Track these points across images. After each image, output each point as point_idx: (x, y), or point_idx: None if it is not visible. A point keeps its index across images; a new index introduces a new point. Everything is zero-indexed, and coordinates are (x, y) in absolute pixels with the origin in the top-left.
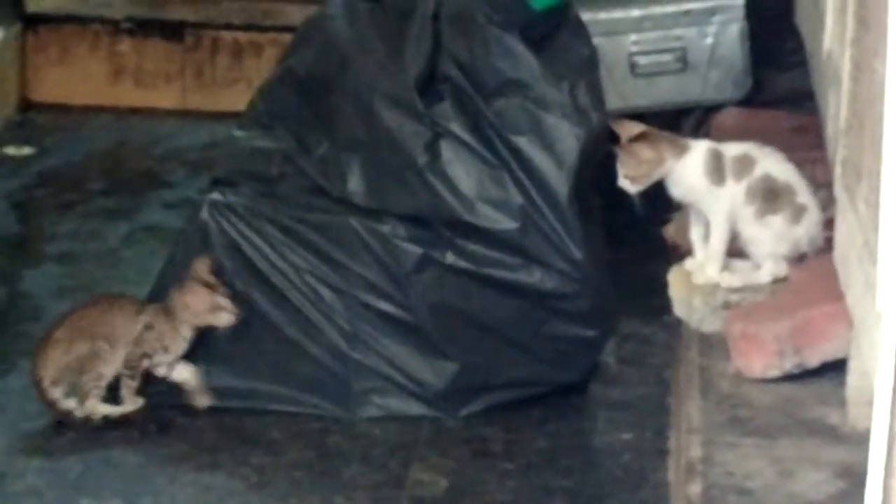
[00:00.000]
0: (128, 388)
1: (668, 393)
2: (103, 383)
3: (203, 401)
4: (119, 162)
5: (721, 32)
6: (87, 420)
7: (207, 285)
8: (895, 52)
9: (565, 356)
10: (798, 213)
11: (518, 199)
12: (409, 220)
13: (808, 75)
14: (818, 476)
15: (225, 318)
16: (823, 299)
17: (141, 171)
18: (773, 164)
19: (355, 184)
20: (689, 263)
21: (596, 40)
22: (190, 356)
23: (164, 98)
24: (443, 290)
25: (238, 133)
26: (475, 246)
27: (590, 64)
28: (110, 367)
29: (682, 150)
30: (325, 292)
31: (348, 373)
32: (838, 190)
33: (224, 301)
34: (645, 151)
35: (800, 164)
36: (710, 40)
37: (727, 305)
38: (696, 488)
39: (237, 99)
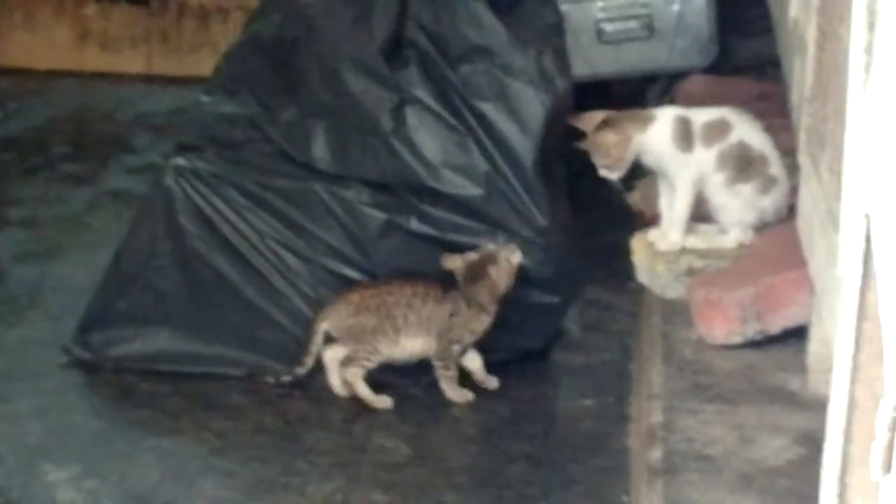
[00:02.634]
0: (444, 380)
1: (630, 359)
2: (375, 360)
3: (492, 382)
4: (84, 127)
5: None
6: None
7: (478, 260)
8: (860, 20)
9: (528, 322)
10: (768, 184)
11: (483, 165)
12: (373, 185)
13: (774, 43)
14: (778, 442)
15: (515, 258)
16: (786, 266)
17: (106, 136)
18: (749, 131)
19: (320, 149)
20: (652, 234)
21: (563, 7)
22: (157, 321)
23: (130, 63)
24: (407, 256)
25: (203, 98)
26: (440, 212)
27: (556, 30)
28: (390, 349)
29: (645, 122)
30: (289, 258)
31: (309, 335)
32: (802, 157)
33: (503, 250)
34: (609, 136)
35: (765, 131)
36: (676, 7)
37: (690, 272)
38: (656, 454)
39: (203, 64)
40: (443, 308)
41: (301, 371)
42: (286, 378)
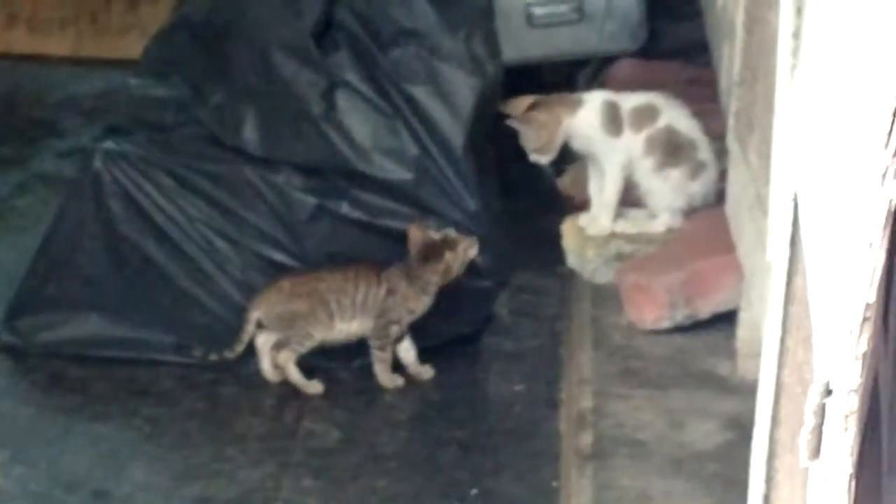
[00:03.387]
0: (379, 361)
1: (560, 344)
2: (308, 344)
3: (427, 373)
4: (12, 110)
5: None
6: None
7: (437, 241)
8: (788, 5)
9: (459, 307)
10: (697, 169)
11: (413, 149)
12: (304, 169)
13: (703, 27)
14: (708, 427)
15: (472, 252)
16: (715, 251)
17: (34, 119)
18: (677, 116)
19: (250, 133)
20: (582, 219)
21: None
22: (86, 306)
23: (59, 45)
24: (337, 241)
25: (132, 81)
26: (370, 196)
27: (486, 14)
28: (324, 333)
29: (574, 106)
30: (219, 242)
31: (241, 323)
32: (731, 142)
33: (464, 240)
34: (539, 118)
35: (694, 116)
36: None
37: (620, 257)
38: (587, 439)
39: (132, 46)
40: (378, 289)
41: (230, 355)
42: (213, 357)
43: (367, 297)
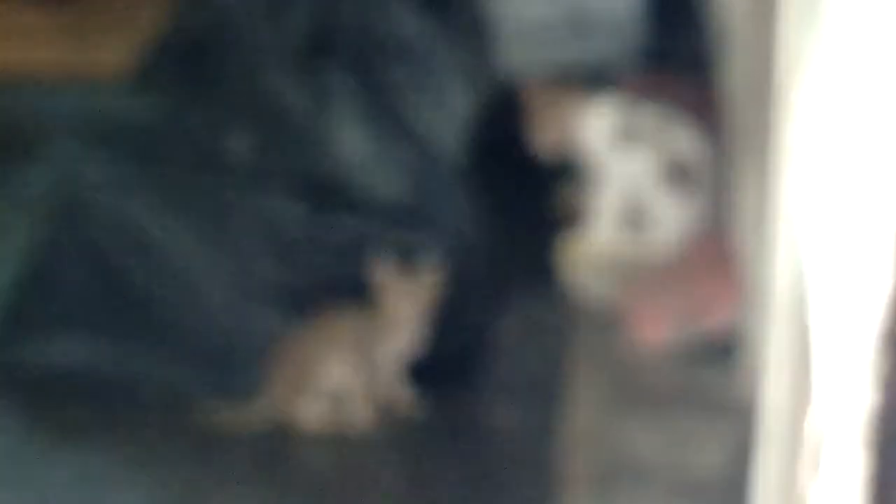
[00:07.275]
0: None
1: (559, 367)
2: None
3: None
4: None
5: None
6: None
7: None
8: (792, 27)
9: (454, 332)
10: (698, 197)
11: (408, 167)
12: (294, 189)
13: (707, 46)
14: (710, 448)
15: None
16: (718, 272)
17: (12, 138)
18: (688, 142)
19: (237, 151)
20: (581, 238)
21: (490, 2)
22: (69, 331)
23: (38, 62)
24: (328, 261)
25: (115, 99)
26: (363, 215)
27: (482, 29)
28: (335, 382)
29: (592, 107)
30: (205, 264)
31: (227, 347)
32: (735, 165)
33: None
34: (558, 108)
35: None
36: (607, 6)
37: (621, 277)
38: (586, 464)
39: (115, 65)
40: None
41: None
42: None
43: (352, 340)
